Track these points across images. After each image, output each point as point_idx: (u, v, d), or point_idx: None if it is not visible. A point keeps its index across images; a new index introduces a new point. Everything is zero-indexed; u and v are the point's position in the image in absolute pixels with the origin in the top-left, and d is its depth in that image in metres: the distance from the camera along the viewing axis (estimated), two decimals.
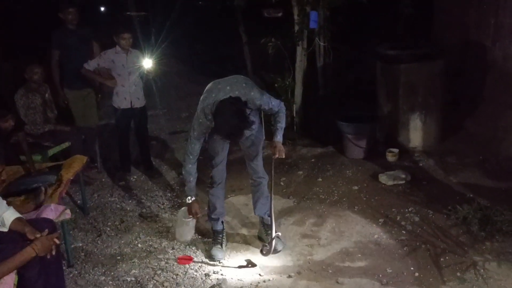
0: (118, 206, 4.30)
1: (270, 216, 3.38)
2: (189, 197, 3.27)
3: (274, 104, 3.18)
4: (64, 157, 4.29)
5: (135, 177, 4.87)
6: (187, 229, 3.53)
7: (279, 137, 3.23)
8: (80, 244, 3.67)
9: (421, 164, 4.72)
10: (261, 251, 3.36)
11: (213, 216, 3.50)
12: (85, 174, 4.51)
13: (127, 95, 4.63)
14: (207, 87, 3.17)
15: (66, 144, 4.56)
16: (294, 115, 5.76)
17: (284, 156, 3.26)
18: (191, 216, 3.31)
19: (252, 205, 3.59)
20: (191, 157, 3.19)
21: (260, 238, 3.61)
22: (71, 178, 3.70)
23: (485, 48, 5.08)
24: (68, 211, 3.20)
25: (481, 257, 3.22)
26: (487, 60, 5.06)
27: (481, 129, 5.00)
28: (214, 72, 8.36)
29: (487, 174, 4.38)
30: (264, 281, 3.12)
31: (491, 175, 4.35)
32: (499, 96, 4.86)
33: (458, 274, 3.08)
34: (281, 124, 3.23)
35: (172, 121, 6.68)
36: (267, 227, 3.54)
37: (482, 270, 3.09)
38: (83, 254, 3.54)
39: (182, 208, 3.57)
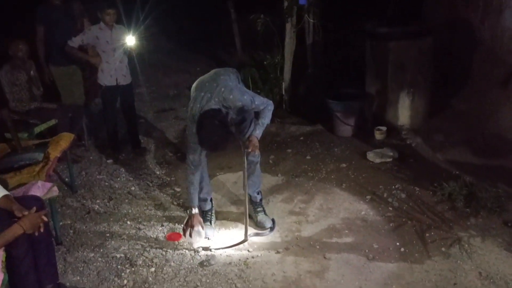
0: (106, 184, 4.28)
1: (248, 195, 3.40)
2: (190, 209, 3.27)
3: (258, 103, 3.11)
4: (51, 134, 4.25)
5: (123, 155, 4.85)
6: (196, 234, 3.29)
7: (257, 132, 3.18)
8: (69, 222, 3.67)
9: (408, 142, 4.76)
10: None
11: (201, 196, 3.48)
12: (73, 152, 4.48)
13: (112, 72, 4.56)
14: (192, 91, 3.17)
15: (52, 122, 4.50)
16: (283, 93, 5.74)
17: (257, 153, 3.27)
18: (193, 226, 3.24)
19: (242, 182, 3.60)
20: (192, 167, 3.17)
21: (249, 216, 3.63)
22: (58, 155, 3.67)
23: (473, 26, 5.07)
24: (55, 188, 3.19)
25: (466, 233, 3.28)
26: (475, 38, 5.06)
27: (468, 107, 5.03)
28: (202, 49, 8.30)
29: (473, 151, 4.43)
30: (253, 257, 3.16)
31: (477, 153, 4.39)
32: (487, 74, 4.88)
33: (443, 249, 3.14)
34: (263, 120, 3.17)
35: (160, 99, 6.62)
36: (256, 204, 3.57)
37: (466, 246, 3.15)
38: (71, 231, 3.54)
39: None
